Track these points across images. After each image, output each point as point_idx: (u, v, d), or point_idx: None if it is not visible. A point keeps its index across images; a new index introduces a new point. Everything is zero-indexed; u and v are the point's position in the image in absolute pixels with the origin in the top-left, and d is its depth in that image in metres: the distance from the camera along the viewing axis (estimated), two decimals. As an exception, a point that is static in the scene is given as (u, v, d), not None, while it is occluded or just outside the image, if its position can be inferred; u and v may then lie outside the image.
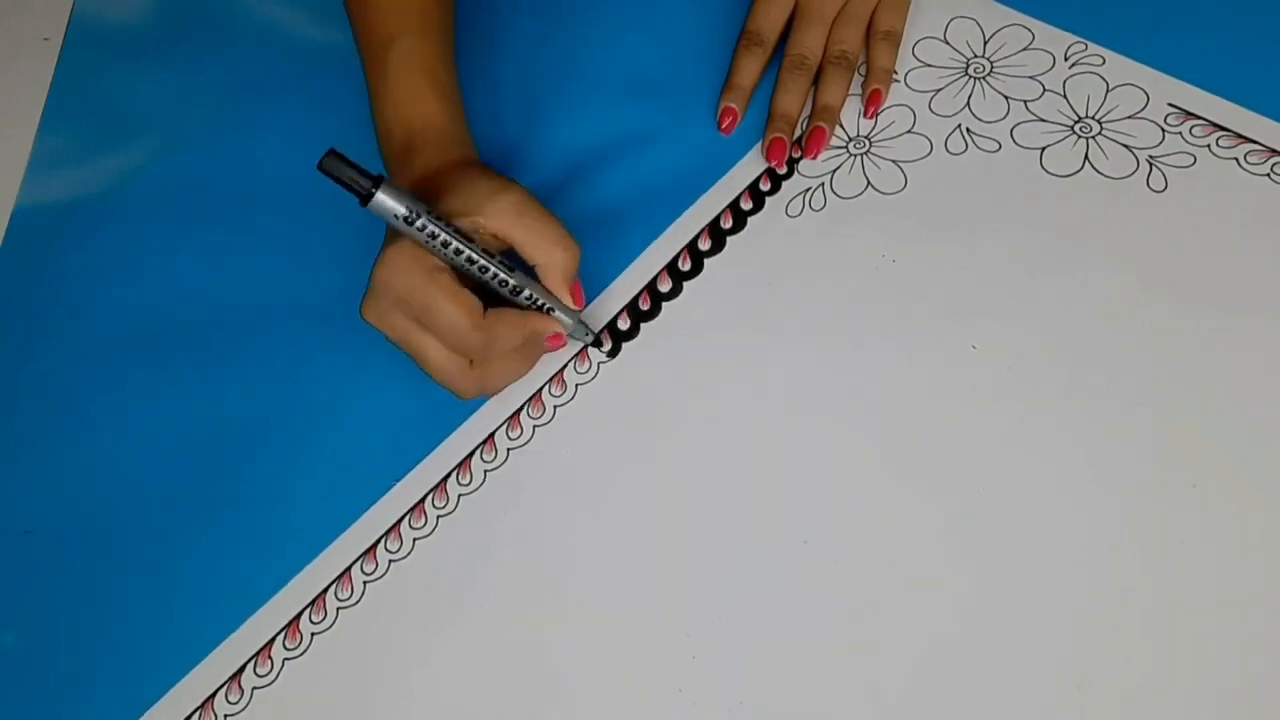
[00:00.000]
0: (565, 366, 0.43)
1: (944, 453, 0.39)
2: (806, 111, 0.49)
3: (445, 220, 0.37)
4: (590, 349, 0.43)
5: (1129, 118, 0.46)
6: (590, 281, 0.45)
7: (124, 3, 0.60)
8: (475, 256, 0.37)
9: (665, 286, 0.45)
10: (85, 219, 0.51)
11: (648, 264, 0.46)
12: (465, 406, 0.43)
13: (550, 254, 0.39)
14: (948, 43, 0.51)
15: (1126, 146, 0.45)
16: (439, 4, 0.45)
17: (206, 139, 0.53)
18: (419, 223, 0.36)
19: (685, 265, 0.45)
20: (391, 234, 0.38)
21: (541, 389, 0.43)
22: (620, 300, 0.45)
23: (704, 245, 0.46)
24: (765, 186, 0.47)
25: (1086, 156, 0.45)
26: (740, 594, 0.37)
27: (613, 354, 0.43)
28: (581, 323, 0.42)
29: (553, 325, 0.40)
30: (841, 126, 0.49)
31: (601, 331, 0.43)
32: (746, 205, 0.47)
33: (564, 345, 0.42)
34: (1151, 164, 0.45)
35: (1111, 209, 0.44)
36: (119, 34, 0.59)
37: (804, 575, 0.37)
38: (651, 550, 0.38)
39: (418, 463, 0.42)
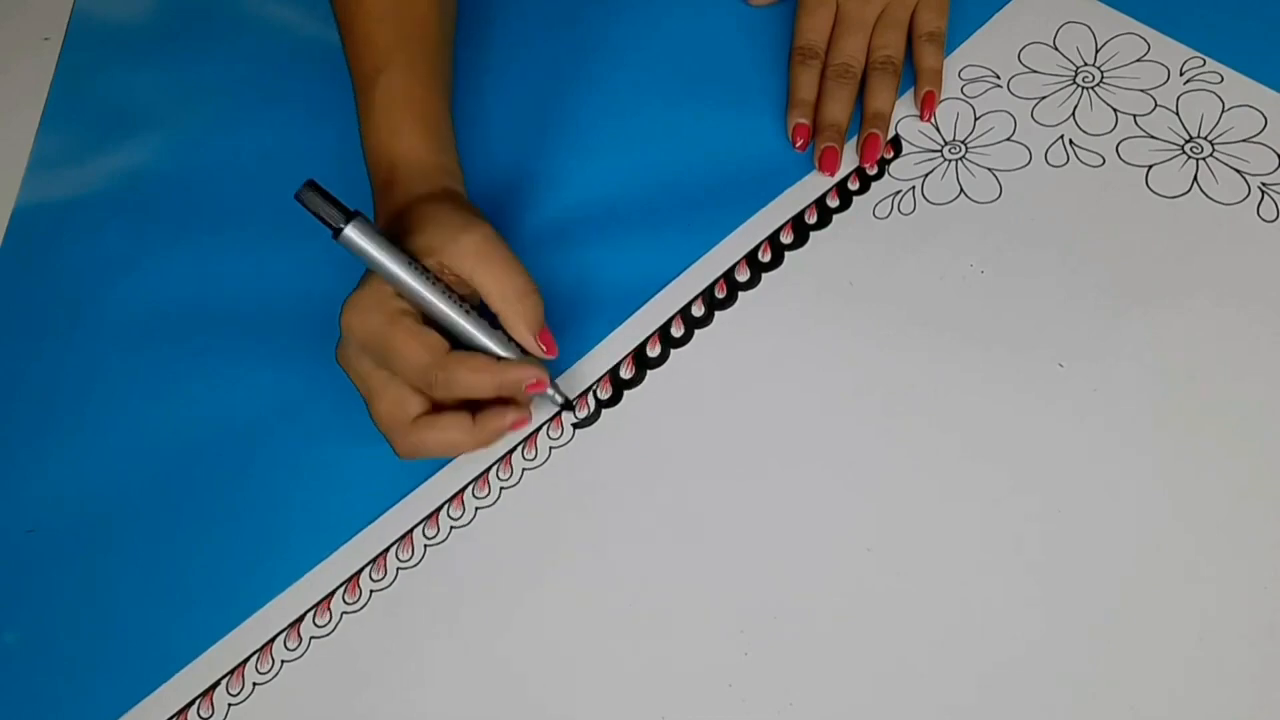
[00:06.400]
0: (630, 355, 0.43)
1: (1019, 472, 0.38)
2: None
3: (415, 260, 0.36)
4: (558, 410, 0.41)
5: (1244, 141, 0.44)
6: (664, 269, 0.45)
7: (124, 2, 0.59)
8: (437, 301, 0.36)
9: (744, 276, 0.44)
10: (85, 219, 0.51)
11: (726, 253, 0.45)
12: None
13: (507, 302, 0.37)
14: (1057, 49, 0.49)
15: (1239, 171, 0.44)
16: (430, 32, 0.44)
17: (206, 138, 0.53)
18: (386, 263, 0.35)
19: (765, 257, 0.45)
20: (365, 274, 0.37)
21: (599, 380, 0.43)
22: (698, 286, 0.44)
23: (786, 239, 0.45)
24: (854, 185, 0.46)
25: (1195, 178, 0.44)
26: (798, 596, 0.37)
27: (664, 355, 0.43)
28: (553, 383, 0.39)
29: (532, 371, 0.37)
30: (938, 129, 0.47)
31: (578, 398, 0.41)
32: (833, 203, 0.46)
33: (528, 420, 0.38)
34: (1264, 191, 0.43)
35: (1216, 235, 0.42)
36: (119, 33, 0.58)
37: (864, 582, 0.37)
38: (710, 545, 0.38)
39: (437, 467, 0.41)
